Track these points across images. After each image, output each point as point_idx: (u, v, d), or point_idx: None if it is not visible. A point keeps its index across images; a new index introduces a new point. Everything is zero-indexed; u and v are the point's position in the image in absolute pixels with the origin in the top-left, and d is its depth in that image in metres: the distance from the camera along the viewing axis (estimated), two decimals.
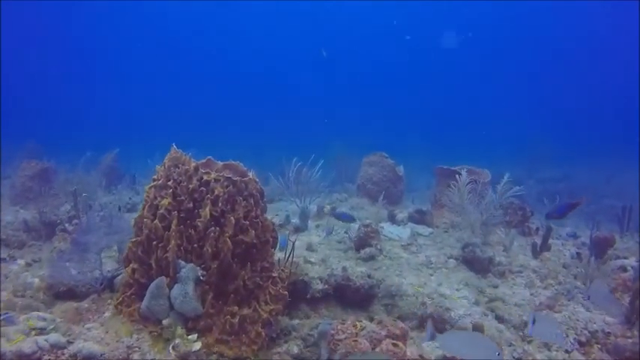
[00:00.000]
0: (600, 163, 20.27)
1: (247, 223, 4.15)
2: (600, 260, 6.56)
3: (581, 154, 22.54)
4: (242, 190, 4.20)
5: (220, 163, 4.83)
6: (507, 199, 7.43)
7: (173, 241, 3.96)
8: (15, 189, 10.77)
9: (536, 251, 6.91)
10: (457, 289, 5.65)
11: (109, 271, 4.90)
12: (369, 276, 5.45)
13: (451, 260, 6.54)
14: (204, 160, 4.77)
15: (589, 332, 4.86)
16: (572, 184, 17.76)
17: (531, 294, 5.74)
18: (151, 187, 4.34)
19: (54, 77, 47.79)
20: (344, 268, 5.40)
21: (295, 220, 7.97)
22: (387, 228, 8.04)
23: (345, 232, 6.93)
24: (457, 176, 7.59)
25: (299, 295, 5.23)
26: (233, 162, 4.84)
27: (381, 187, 10.41)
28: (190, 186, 4.10)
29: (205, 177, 4.14)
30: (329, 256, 6.17)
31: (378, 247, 6.53)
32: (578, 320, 5.03)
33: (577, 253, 7.20)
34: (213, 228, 3.99)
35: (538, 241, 7.26)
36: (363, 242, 6.43)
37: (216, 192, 4.08)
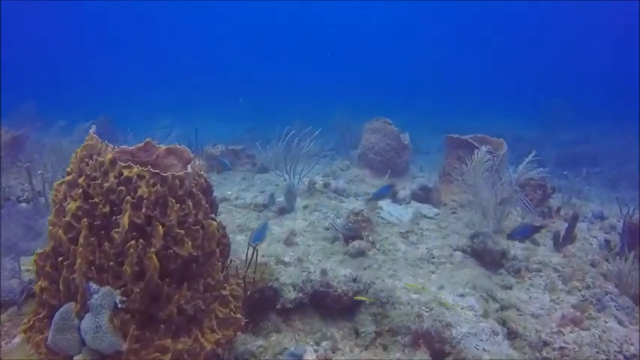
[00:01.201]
0: (622, 128, 18.92)
1: (183, 232, 3.17)
2: (636, 253, 5.50)
3: (602, 118, 21.05)
4: (175, 189, 3.19)
5: (163, 148, 3.84)
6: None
7: (80, 259, 3.01)
8: None
9: (559, 243, 5.88)
10: (462, 295, 4.67)
11: (31, 279, 4.01)
12: (354, 280, 4.52)
13: (457, 253, 5.54)
14: (140, 144, 3.78)
15: (625, 358, 3.90)
16: (593, 149, 16.52)
17: (552, 300, 4.75)
18: (61, 184, 3.36)
19: (58, 43, 47.02)
20: (323, 272, 4.46)
21: (281, 199, 7.01)
22: (387, 208, 7.05)
23: (335, 220, 5.88)
24: (475, 152, 6.51)
25: (268, 304, 4.33)
26: (178, 146, 3.84)
27: (384, 157, 9.37)
28: (106, 184, 3.10)
29: (125, 172, 3.12)
30: (310, 251, 5.22)
31: (371, 239, 5.53)
32: (610, 341, 4.06)
33: (606, 240, 6.16)
34: (134, 241, 3.03)
35: (561, 227, 6.21)
36: (353, 233, 5.44)
37: (139, 192, 3.08)
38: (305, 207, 6.88)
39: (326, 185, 7.82)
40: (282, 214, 6.74)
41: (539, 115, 20.18)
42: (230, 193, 7.63)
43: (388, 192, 7.08)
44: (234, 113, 25.80)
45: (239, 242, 5.34)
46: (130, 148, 3.73)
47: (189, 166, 3.36)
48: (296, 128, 17.38)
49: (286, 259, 4.89)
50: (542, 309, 4.57)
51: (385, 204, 7.18)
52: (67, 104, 23.17)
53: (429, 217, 6.91)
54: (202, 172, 3.62)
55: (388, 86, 31.95)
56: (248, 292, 4.06)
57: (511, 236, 5.48)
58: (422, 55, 46.64)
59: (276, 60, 46.55)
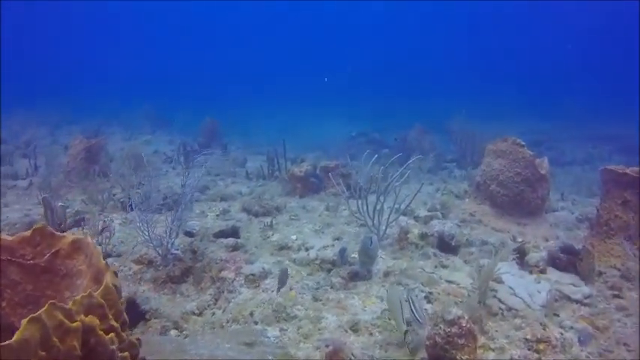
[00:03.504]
0: None
1: None
2: None
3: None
4: None
5: (68, 239, 2.14)
6: None
7: None
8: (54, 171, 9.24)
9: None
10: None
11: None
12: None
13: None
14: (27, 233, 2.11)
15: None
16: None
17: None
18: None
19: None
20: None
21: (353, 257, 5.09)
22: (508, 281, 4.80)
23: (416, 313, 3.76)
24: None
25: None
26: (86, 240, 2.12)
27: (511, 190, 6.98)
28: None
29: None
30: None
31: None
32: None
33: None
34: None
35: None
36: (443, 354, 3.33)
37: None
38: (386, 274, 4.86)
39: (423, 237, 5.70)
40: (352, 280, 4.81)
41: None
42: (294, 238, 5.87)
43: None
44: (348, 112, 24.44)
45: (266, 343, 3.53)
46: (10, 239, 2.07)
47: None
48: (415, 133, 15.61)
49: None
50: None
51: (506, 273, 4.92)
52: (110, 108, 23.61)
53: (576, 301, 4.55)
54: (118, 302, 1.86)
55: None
56: None
57: None
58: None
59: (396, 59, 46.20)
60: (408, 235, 5.66)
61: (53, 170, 9.60)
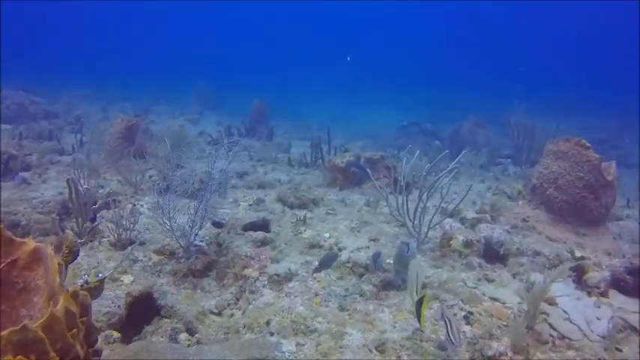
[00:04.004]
0: None
1: None
2: None
3: None
4: None
5: (28, 247, 1.80)
6: None
7: None
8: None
9: None
10: None
11: None
12: None
13: None
14: None
15: None
16: None
17: None
18: None
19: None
20: None
21: (389, 263, 4.64)
22: (563, 304, 4.22)
23: (451, 337, 3.27)
24: None
25: None
26: (45, 248, 1.77)
27: (571, 196, 6.30)
28: None
29: None
30: None
31: None
32: None
33: None
34: None
35: None
36: None
37: None
38: (423, 285, 4.38)
39: (468, 245, 5.15)
40: (384, 289, 4.36)
41: None
42: (327, 236, 5.44)
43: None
44: (400, 101, 23.87)
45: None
46: None
47: None
48: (469, 125, 14.82)
49: None
50: None
51: (562, 295, 4.34)
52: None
53: None
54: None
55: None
56: None
57: None
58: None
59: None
60: (451, 242, 5.13)
61: (97, 148, 9.56)
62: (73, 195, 5.20)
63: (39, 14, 49.72)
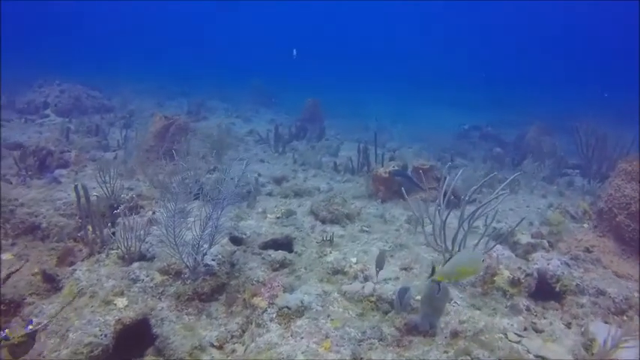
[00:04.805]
0: None
1: None
2: None
3: None
4: None
5: None
6: None
7: None
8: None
9: None
10: None
11: None
12: None
13: None
14: None
15: None
16: None
17: None
18: None
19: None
20: None
21: (419, 300, 3.97)
22: None
23: None
24: None
25: None
26: None
27: None
28: None
29: None
30: None
31: None
32: None
33: None
34: None
35: None
36: None
37: None
38: (455, 334, 3.68)
39: (515, 283, 4.38)
40: (409, 334, 3.70)
41: None
42: (354, 261, 4.83)
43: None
44: (466, 100, 22.89)
45: None
46: None
47: None
48: (534, 132, 13.70)
49: None
50: None
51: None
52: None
53: None
54: None
55: None
56: None
57: None
58: None
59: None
60: (495, 279, 4.38)
61: (140, 145, 9.37)
62: (83, 203, 4.86)
63: (103, 13, 52.03)
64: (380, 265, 4.28)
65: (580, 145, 10.13)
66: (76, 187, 4.88)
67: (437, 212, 4.81)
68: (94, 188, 6.58)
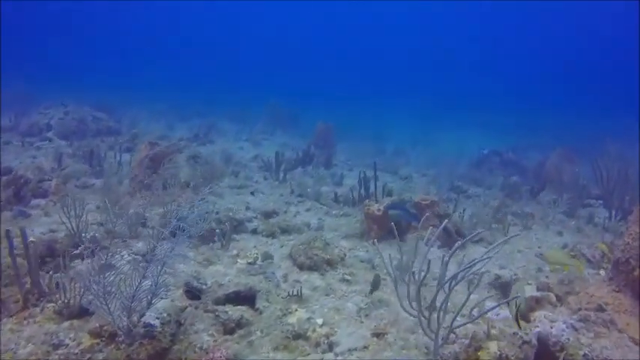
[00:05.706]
0: None
1: None
2: None
3: None
4: None
5: None
6: None
7: None
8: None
9: None
10: None
11: None
12: None
13: None
14: None
15: None
16: None
17: None
18: None
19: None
20: None
21: None
22: None
23: None
24: None
25: None
26: None
27: None
28: None
29: None
30: None
31: None
32: None
33: None
34: None
35: None
36: None
37: None
38: None
39: None
40: None
41: None
42: (320, 323, 4.15)
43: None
44: (490, 122, 22.25)
45: None
46: None
47: None
48: (555, 158, 12.85)
49: None
50: None
51: None
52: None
53: None
54: None
55: None
56: None
57: None
58: None
59: None
60: (479, 354, 3.66)
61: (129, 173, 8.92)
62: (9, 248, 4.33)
63: (126, 27, 53.28)
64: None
65: (600, 180, 9.23)
66: (7, 231, 4.35)
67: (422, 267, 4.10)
68: (63, 224, 6.09)
